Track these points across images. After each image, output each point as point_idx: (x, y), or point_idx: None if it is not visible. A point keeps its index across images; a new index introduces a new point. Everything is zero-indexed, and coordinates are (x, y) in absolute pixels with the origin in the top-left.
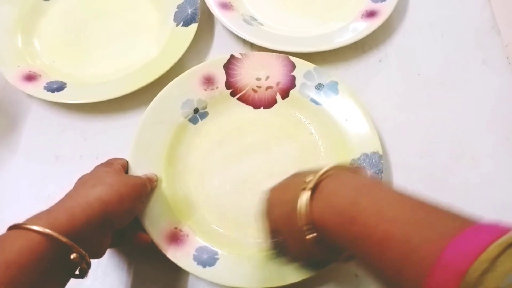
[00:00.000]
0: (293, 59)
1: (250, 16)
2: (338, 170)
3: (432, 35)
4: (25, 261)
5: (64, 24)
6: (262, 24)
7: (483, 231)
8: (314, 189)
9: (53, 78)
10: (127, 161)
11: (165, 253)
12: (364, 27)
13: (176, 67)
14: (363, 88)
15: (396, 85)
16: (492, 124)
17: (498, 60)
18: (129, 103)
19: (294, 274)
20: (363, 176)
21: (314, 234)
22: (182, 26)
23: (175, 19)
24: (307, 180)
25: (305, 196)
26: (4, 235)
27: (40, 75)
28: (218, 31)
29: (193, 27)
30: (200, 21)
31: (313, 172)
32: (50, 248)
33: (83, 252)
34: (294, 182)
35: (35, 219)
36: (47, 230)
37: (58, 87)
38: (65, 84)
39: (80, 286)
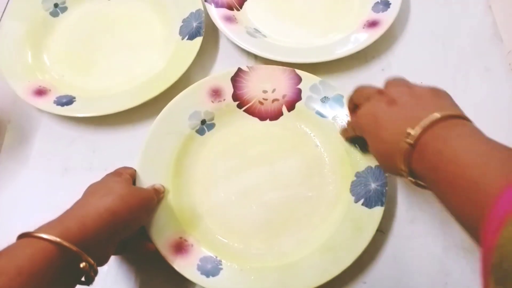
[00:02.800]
0: (299, 72)
1: (254, 28)
2: (436, 122)
3: (433, 43)
4: (36, 268)
5: (72, 39)
6: (265, 36)
7: None
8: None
9: (62, 92)
10: (135, 171)
11: (169, 262)
12: (366, 37)
13: (182, 80)
14: None
15: None
16: (494, 131)
17: (500, 67)
18: (136, 115)
19: (297, 286)
20: (456, 129)
21: (412, 179)
22: (187, 39)
23: (180, 33)
24: (408, 131)
25: (406, 150)
26: (16, 243)
27: (49, 90)
28: (222, 44)
29: (198, 40)
30: (205, 34)
31: (408, 114)
32: (61, 256)
33: (92, 261)
34: (390, 122)
35: (46, 228)
36: (58, 240)
37: (67, 101)
38: (74, 98)
39: None
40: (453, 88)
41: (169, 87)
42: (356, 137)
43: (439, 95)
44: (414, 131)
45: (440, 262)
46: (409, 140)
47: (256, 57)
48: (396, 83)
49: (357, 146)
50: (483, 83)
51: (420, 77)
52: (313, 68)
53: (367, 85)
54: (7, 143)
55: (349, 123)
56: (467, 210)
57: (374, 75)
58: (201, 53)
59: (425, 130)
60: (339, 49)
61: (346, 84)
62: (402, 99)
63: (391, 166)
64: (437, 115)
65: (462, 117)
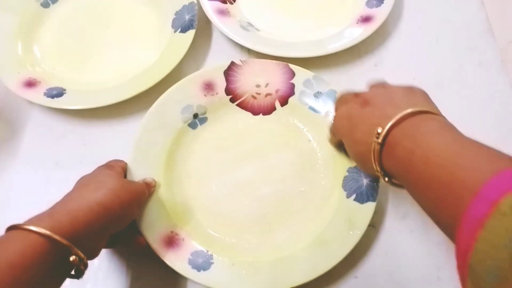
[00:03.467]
0: (293, 67)
1: (247, 22)
2: (405, 117)
3: (427, 38)
4: (27, 262)
5: (63, 31)
6: (258, 30)
7: None
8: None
9: (52, 85)
10: (127, 164)
11: (160, 256)
12: (360, 32)
13: (174, 73)
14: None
15: None
16: (488, 126)
17: (493, 62)
18: (128, 108)
19: (289, 281)
20: (426, 124)
21: (387, 179)
22: (180, 32)
23: (173, 26)
24: (378, 132)
25: (376, 149)
26: (5, 236)
27: (40, 82)
28: (215, 37)
29: (191, 33)
30: (198, 27)
31: (380, 112)
32: (51, 250)
33: (82, 255)
34: (363, 121)
35: (37, 220)
36: (48, 233)
37: (57, 93)
38: (65, 90)
39: None
40: (446, 84)
41: (161, 80)
42: (341, 142)
43: (413, 93)
44: (382, 130)
45: (432, 256)
46: (378, 140)
47: (249, 51)
48: (374, 84)
49: (343, 152)
50: (476, 79)
51: (413, 72)
52: (306, 62)
53: (349, 90)
54: None
55: (330, 129)
56: (440, 210)
57: (367, 70)
58: (194, 46)
59: (393, 127)
60: (332, 43)
61: (339, 79)
62: (375, 99)
63: (367, 167)
64: (405, 111)
65: (432, 113)
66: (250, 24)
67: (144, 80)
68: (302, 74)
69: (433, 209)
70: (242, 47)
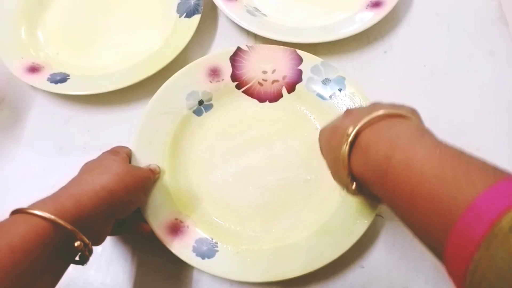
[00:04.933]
0: (300, 53)
1: (254, 7)
2: (378, 119)
3: (438, 25)
4: (29, 246)
5: (67, 16)
6: (265, 15)
7: None
8: (353, 141)
9: (56, 70)
10: (131, 150)
11: (164, 243)
12: (369, 18)
13: (179, 58)
14: (368, 79)
15: (401, 76)
16: (498, 115)
17: (504, 51)
18: (132, 94)
19: (294, 269)
20: (403, 126)
21: (355, 184)
22: (185, 17)
23: (178, 10)
24: (348, 132)
25: (345, 150)
26: (9, 219)
27: (43, 67)
28: (221, 22)
29: (196, 18)
30: (203, 12)
31: (356, 117)
32: (55, 234)
33: (87, 240)
34: (340, 128)
35: (41, 204)
36: (53, 217)
37: (61, 78)
38: (68, 75)
39: (84, 275)
40: (456, 72)
41: (166, 66)
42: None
43: (399, 105)
44: (352, 129)
45: None
46: (348, 139)
47: (255, 36)
48: None
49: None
50: (487, 67)
51: (422, 59)
52: (314, 48)
53: None
54: (1, 122)
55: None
56: (426, 226)
57: (376, 57)
58: (199, 31)
59: (364, 127)
60: (341, 29)
61: (347, 65)
62: (359, 109)
63: (340, 176)
64: (379, 111)
65: (407, 116)
66: (256, 9)
67: (148, 66)
68: (310, 60)
69: (416, 222)
70: (248, 33)
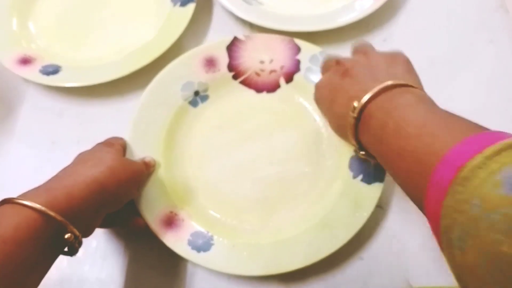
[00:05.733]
0: (298, 42)
1: None
2: (383, 90)
3: (438, 13)
4: (21, 237)
5: (59, 6)
6: (262, 4)
7: (487, 137)
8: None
9: (48, 62)
10: (126, 142)
11: (159, 237)
12: (369, 5)
13: (174, 48)
14: None
15: None
16: (500, 104)
17: (505, 39)
18: (126, 86)
19: (291, 263)
20: (402, 98)
21: (363, 152)
22: (179, 6)
23: None
24: (355, 105)
25: (351, 124)
26: None
27: (35, 59)
28: (216, 11)
29: (191, 7)
30: (198, 0)
31: (358, 85)
32: (46, 226)
33: (77, 232)
34: (341, 93)
35: (32, 195)
36: (43, 208)
37: (53, 70)
38: (61, 67)
39: (79, 270)
40: (456, 60)
41: (160, 56)
42: None
43: (395, 62)
44: (358, 104)
45: None
46: (353, 114)
47: (251, 25)
48: (357, 50)
49: None
50: (487, 55)
51: (422, 48)
52: (312, 37)
53: (334, 54)
54: None
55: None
56: (410, 180)
57: (376, 46)
58: (194, 20)
59: (369, 101)
60: (339, 17)
61: (346, 54)
62: (355, 69)
63: (348, 140)
64: (381, 85)
65: (410, 86)
66: None
67: (142, 56)
68: (308, 49)
69: (403, 180)
70: (244, 22)
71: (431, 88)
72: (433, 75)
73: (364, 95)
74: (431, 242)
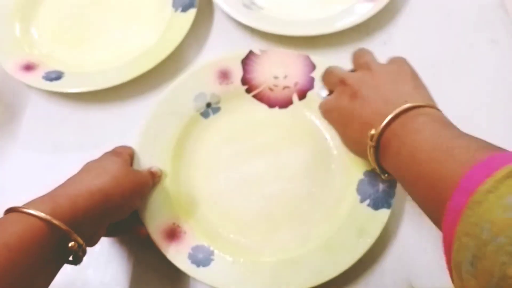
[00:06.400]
0: (314, 59)
1: (250, 0)
2: (394, 118)
3: (438, 14)
4: (26, 245)
5: (61, 12)
6: (262, 8)
7: (498, 160)
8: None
9: (51, 68)
10: (134, 151)
11: (160, 248)
12: (368, 9)
13: (175, 54)
14: None
15: None
16: (501, 104)
17: (505, 39)
18: (128, 91)
19: (292, 284)
20: (411, 122)
21: (387, 175)
22: (180, 11)
23: (173, 5)
24: (372, 133)
25: (371, 152)
26: (4, 218)
27: (38, 65)
28: (217, 16)
29: (192, 12)
30: (199, 6)
31: (373, 110)
32: (50, 234)
33: (81, 241)
34: (355, 118)
35: (37, 203)
36: (48, 217)
37: (56, 76)
38: (63, 73)
39: (82, 274)
40: (457, 61)
41: (162, 62)
42: None
43: (401, 78)
44: (375, 132)
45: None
46: (372, 143)
47: (252, 30)
48: (359, 63)
49: None
50: (488, 55)
51: (423, 49)
52: (312, 41)
53: (335, 67)
54: None
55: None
56: (428, 206)
57: (376, 48)
58: (195, 25)
59: (384, 128)
60: (339, 21)
61: (346, 58)
62: (363, 90)
63: (366, 161)
64: (394, 112)
65: (420, 106)
66: (252, 2)
67: (144, 62)
68: (323, 67)
69: (423, 205)
70: (245, 27)
71: (432, 89)
72: (434, 76)
73: (379, 122)
74: (433, 244)
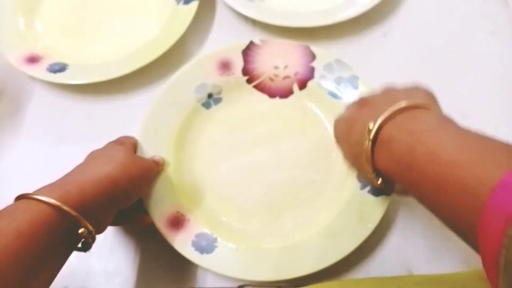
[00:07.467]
0: (314, 49)
1: None
2: (399, 111)
3: (438, 6)
4: (35, 231)
5: (65, 5)
6: (263, 0)
7: None
8: (375, 137)
9: (55, 60)
10: (137, 141)
11: (164, 236)
12: (369, 0)
13: (178, 46)
14: (368, 61)
15: (402, 58)
16: (501, 96)
17: (505, 32)
18: (131, 83)
19: (295, 269)
20: (423, 117)
21: (380, 180)
22: (183, 4)
23: None
24: (369, 127)
25: (367, 146)
26: (15, 204)
27: (42, 57)
28: (219, 8)
29: (194, 4)
30: None
31: (374, 110)
32: (60, 220)
33: (91, 227)
34: (359, 122)
35: (46, 190)
36: (58, 203)
37: (60, 68)
38: (67, 65)
39: (86, 264)
40: (457, 53)
41: (165, 53)
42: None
43: (416, 89)
44: (373, 125)
45: (449, 252)
46: (369, 137)
47: (254, 22)
48: (383, 88)
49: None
50: (488, 48)
51: (423, 41)
52: (313, 33)
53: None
54: (0, 113)
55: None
56: (455, 211)
57: (376, 40)
58: (197, 17)
59: (385, 121)
60: (340, 12)
61: (347, 49)
62: (375, 99)
63: (364, 172)
64: (398, 105)
65: (428, 108)
66: None
67: (146, 54)
68: (323, 57)
69: (446, 211)
70: (246, 18)
71: (432, 80)
72: (435, 67)
73: (379, 116)
74: (432, 230)
